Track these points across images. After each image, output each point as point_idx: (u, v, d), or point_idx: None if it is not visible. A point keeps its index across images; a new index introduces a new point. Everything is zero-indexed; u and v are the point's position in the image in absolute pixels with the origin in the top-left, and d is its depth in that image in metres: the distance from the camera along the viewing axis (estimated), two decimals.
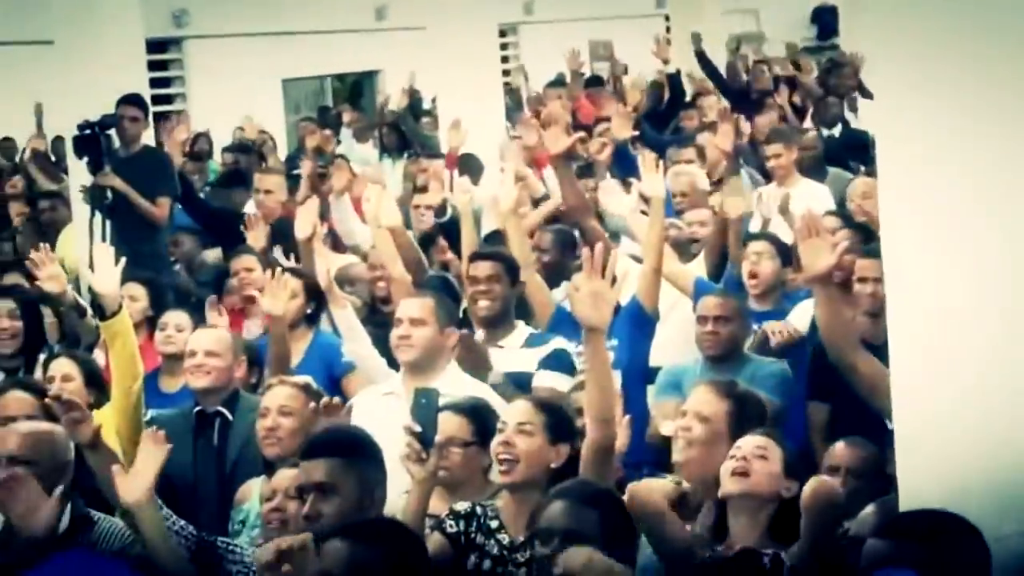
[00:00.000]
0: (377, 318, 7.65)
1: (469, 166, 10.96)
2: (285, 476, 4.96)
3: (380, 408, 5.89)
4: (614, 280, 4.81)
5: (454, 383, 5.79)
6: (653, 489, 4.59)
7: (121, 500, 4.66)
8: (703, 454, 4.78)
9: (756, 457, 4.50)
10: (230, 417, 6.18)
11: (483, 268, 6.72)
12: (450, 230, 8.75)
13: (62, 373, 6.34)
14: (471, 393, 5.58)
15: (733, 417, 4.88)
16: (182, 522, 4.77)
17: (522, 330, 6.71)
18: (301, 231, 7.86)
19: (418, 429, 4.65)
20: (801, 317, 6.99)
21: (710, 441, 4.80)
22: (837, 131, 13.08)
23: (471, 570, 4.74)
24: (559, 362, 6.47)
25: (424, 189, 10.16)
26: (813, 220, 4.98)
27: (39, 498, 4.52)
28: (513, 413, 4.98)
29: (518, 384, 6.27)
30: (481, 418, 5.15)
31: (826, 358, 5.16)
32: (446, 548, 4.76)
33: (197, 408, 6.25)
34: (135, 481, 4.63)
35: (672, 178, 9.09)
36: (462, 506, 4.87)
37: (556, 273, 7.48)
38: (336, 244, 9.23)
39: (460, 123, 11.84)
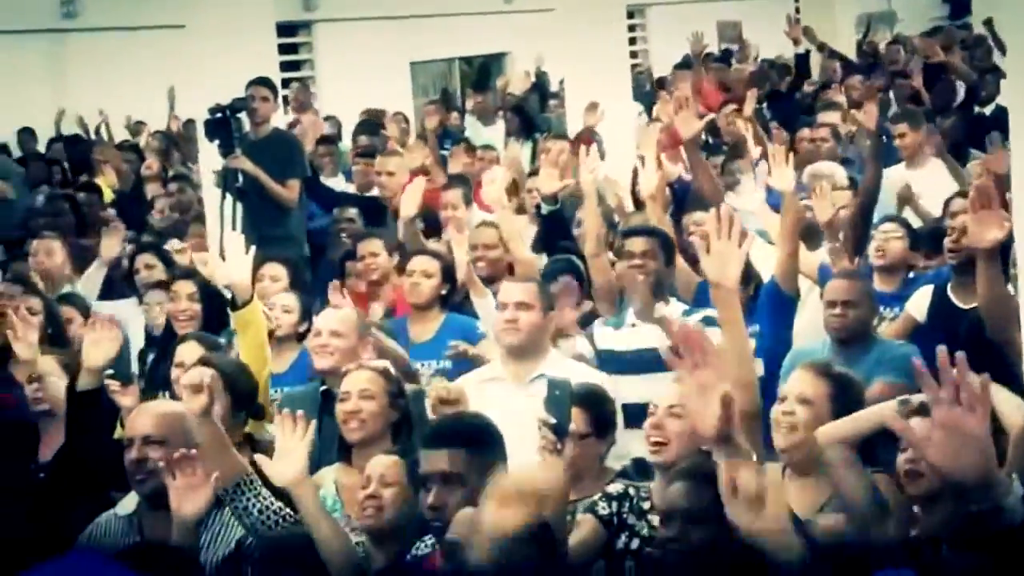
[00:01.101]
0: None
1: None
2: (381, 463, 4.92)
3: (485, 392, 5.92)
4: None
5: (557, 367, 5.79)
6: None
7: (275, 483, 4.69)
8: (808, 438, 4.75)
9: None
10: None
11: (638, 243, 6.75)
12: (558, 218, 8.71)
13: (193, 358, 6.37)
14: (575, 376, 5.55)
15: (834, 399, 4.85)
16: (278, 504, 4.76)
17: (675, 305, 6.71)
18: (405, 210, 7.95)
19: (553, 420, 4.64)
20: (919, 304, 6.92)
21: (814, 425, 4.76)
22: (989, 110, 12.84)
23: (620, 550, 4.75)
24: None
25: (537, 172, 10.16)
26: (987, 192, 4.90)
27: (201, 480, 4.57)
28: (665, 397, 4.97)
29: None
30: (597, 406, 5.14)
31: (982, 333, 5.08)
32: (599, 530, 4.77)
33: (323, 387, 6.28)
34: (285, 462, 4.65)
35: (809, 178, 9.02)
36: (614, 488, 4.88)
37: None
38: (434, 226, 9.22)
39: (597, 105, 11.82)
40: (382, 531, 4.77)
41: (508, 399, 5.82)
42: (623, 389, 5.96)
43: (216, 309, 7.28)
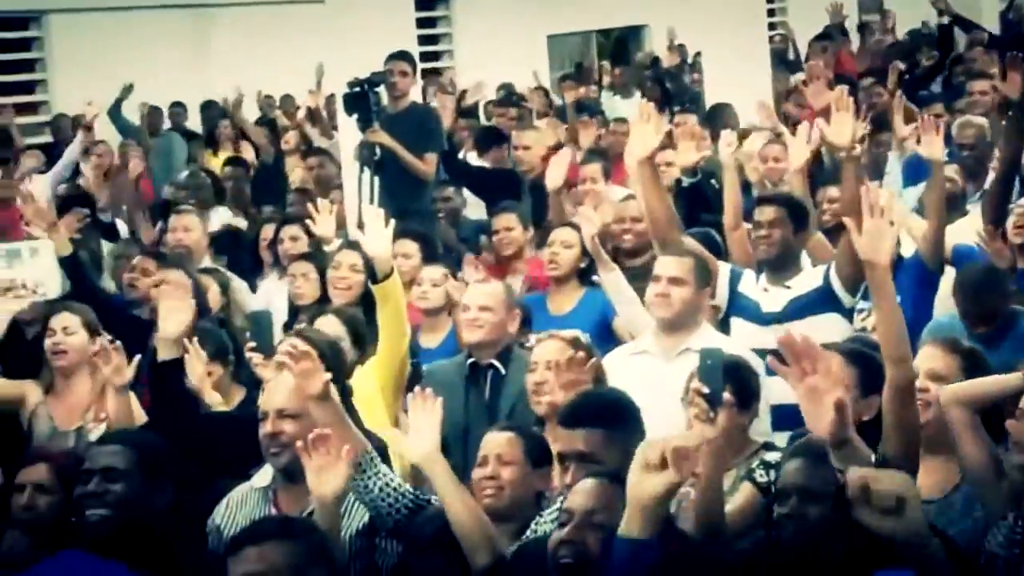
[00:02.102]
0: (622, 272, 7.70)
1: (727, 118, 10.89)
2: (496, 441, 4.82)
3: (633, 367, 5.93)
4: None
5: (708, 342, 5.78)
6: None
7: (408, 458, 4.72)
8: (941, 413, 4.71)
9: None
10: (503, 371, 6.21)
11: (767, 212, 6.72)
12: (698, 191, 8.70)
13: (330, 334, 6.40)
14: (729, 352, 5.54)
15: (966, 373, 4.81)
16: (397, 481, 4.78)
17: (810, 272, 6.69)
18: (551, 182, 7.99)
19: (706, 390, 4.64)
20: None
21: None
22: None
23: (776, 520, 4.72)
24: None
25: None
26: None
27: (336, 459, 4.59)
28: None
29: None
30: (741, 378, 5.12)
31: None
32: (757, 497, 4.78)
33: (471, 360, 6.31)
34: (419, 438, 4.67)
35: (958, 129, 8.91)
36: (772, 456, 4.87)
37: None
38: None
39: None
40: (503, 511, 4.73)
41: (654, 373, 5.85)
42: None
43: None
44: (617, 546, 3.48)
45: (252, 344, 6.51)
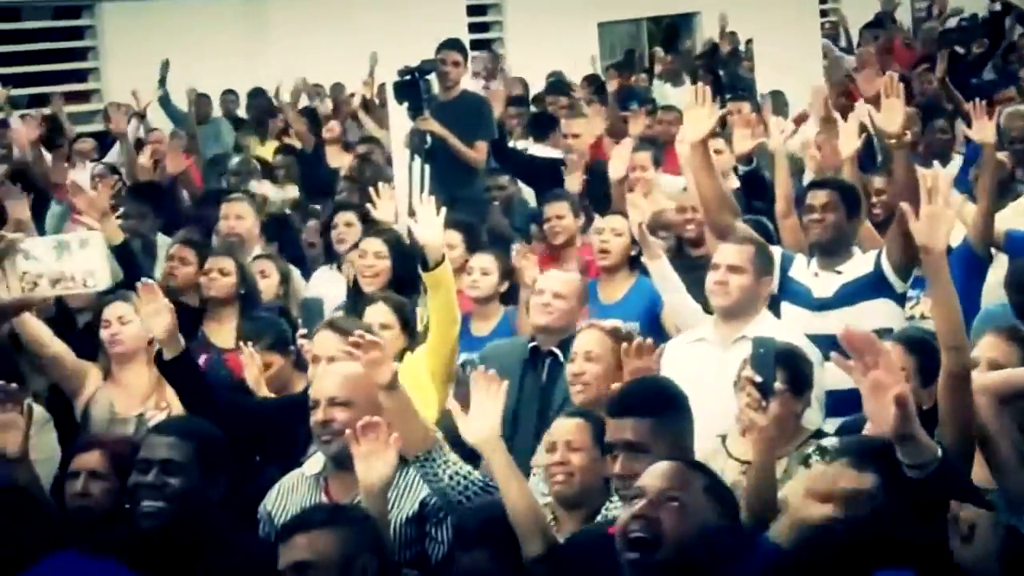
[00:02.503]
0: (684, 261, 7.68)
1: (777, 104, 10.85)
2: (565, 427, 4.86)
3: (691, 354, 5.92)
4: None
5: (766, 330, 5.76)
6: None
7: (467, 440, 4.69)
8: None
9: None
10: (562, 359, 6.16)
11: (819, 196, 6.70)
12: (755, 178, 8.68)
13: (380, 321, 6.38)
14: (783, 340, 5.52)
15: None
16: (467, 468, 4.77)
17: (861, 257, 6.67)
18: (614, 172, 7.99)
19: (759, 379, 4.62)
20: None
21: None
22: None
23: None
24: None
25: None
26: None
27: (385, 446, 4.60)
28: None
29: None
30: (794, 366, 5.09)
31: None
32: None
33: (532, 343, 6.30)
34: (480, 421, 4.65)
35: (1007, 119, 8.84)
36: (828, 442, 4.83)
37: None
38: None
39: None
40: (572, 498, 4.74)
41: (711, 361, 5.85)
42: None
43: (406, 266, 7.33)
44: (761, 543, 3.76)
45: (303, 331, 6.53)
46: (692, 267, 7.08)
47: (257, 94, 15.20)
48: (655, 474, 3.68)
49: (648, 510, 3.41)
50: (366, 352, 4.73)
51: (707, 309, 6.32)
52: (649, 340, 5.38)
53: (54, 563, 3.35)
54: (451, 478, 4.71)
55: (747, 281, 6.01)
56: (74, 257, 2.97)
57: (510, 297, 7.38)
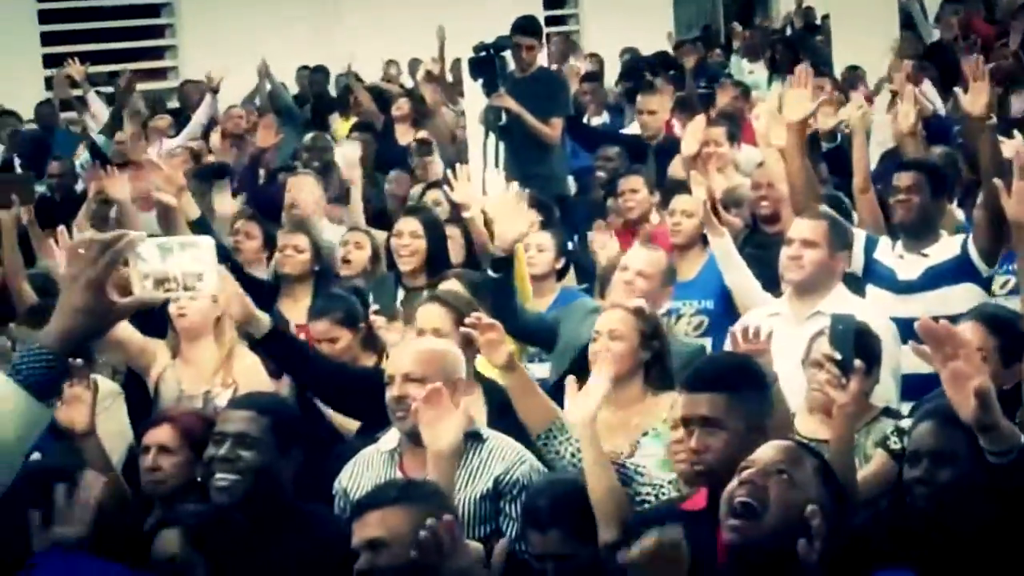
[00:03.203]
0: (758, 238, 7.62)
1: (855, 80, 10.75)
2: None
3: (764, 328, 5.85)
4: None
5: (840, 304, 5.73)
6: None
7: (568, 419, 4.70)
8: None
9: None
10: None
11: (905, 178, 6.63)
12: (839, 155, 8.60)
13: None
14: (857, 313, 5.47)
15: None
16: (576, 447, 4.76)
17: (948, 240, 6.61)
18: (686, 148, 7.95)
19: (838, 356, 4.58)
20: None
21: None
22: None
23: (907, 484, 4.66)
24: None
25: None
26: None
27: (448, 411, 4.58)
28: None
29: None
30: (865, 343, 5.03)
31: None
32: (890, 464, 4.72)
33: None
34: (582, 402, 4.63)
35: None
36: (906, 423, 4.78)
37: None
38: None
39: None
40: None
41: (786, 335, 5.75)
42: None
43: (441, 246, 7.42)
44: None
45: (375, 307, 6.53)
46: (766, 244, 7.02)
47: (318, 70, 15.21)
48: (768, 448, 3.65)
49: (756, 477, 3.37)
50: (483, 333, 4.75)
51: (778, 288, 6.29)
52: (758, 326, 5.24)
53: (54, 563, 3.36)
54: (572, 455, 4.71)
55: (821, 256, 5.97)
56: (177, 259, 2.99)
57: (564, 274, 7.36)
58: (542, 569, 4.39)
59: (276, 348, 5.74)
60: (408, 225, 7.44)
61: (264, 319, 5.62)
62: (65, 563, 3.28)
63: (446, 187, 8.17)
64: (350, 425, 5.97)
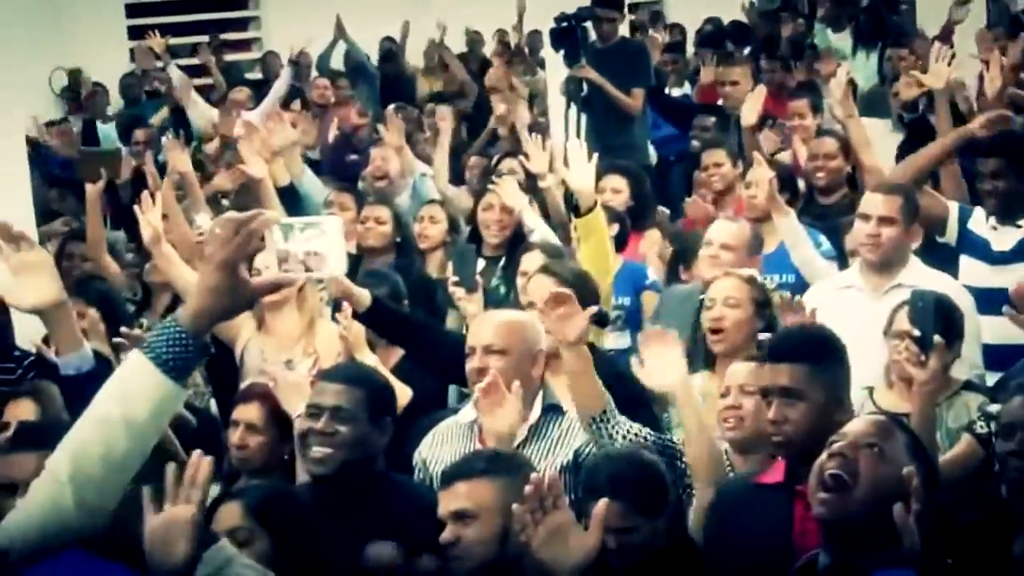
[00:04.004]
0: (813, 209, 7.60)
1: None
2: (738, 372, 4.88)
3: (840, 301, 5.86)
4: None
5: (917, 279, 5.69)
6: None
7: (650, 386, 4.74)
8: None
9: None
10: None
11: (990, 164, 6.52)
12: (921, 127, 8.54)
13: (535, 266, 6.15)
14: (934, 286, 5.44)
15: None
16: (638, 427, 4.76)
17: None
18: (745, 119, 7.94)
19: (918, 333, 4.55)
20: None
21: None
22: None
23: (1000, 457, 4.59)
24: None
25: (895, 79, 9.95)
26: None
27: (502, 398, 4.62)
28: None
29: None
30: (946, 317, 5.01)
31: None
32: (976, 448, 4.69)
33: (703, 295, 6.25)
34: (663, 370, 4.64)
35: None
36: (994, 407, 4.74)
37: None
38: None
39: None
40: (745, 443, 4.75)
41: (863, 309, 5.78)
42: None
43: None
44: None
45: (455, 278, 6.54)
46: (821, 215, 6.97)
47: (387, 40, 15.19)
48: (859, 421, 3.64)
49: (847, 449, 3.37)
50: (559, 305, 4.70)
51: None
52: (800, 298, 5.36)
53: (58, 563, 3.38)
54: (624, 437, 4.71)
55: (898, 232, 5.93)
56: (299, 239, 2.97)
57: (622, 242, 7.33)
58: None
59: (379, 320, 5.77)
60: (429, 211, 7.51)
61: (364, 294, 5.60)
62: (65, 563, 3.29)
63: (522, 157, 8.18)
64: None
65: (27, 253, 3.72)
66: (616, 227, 7.18)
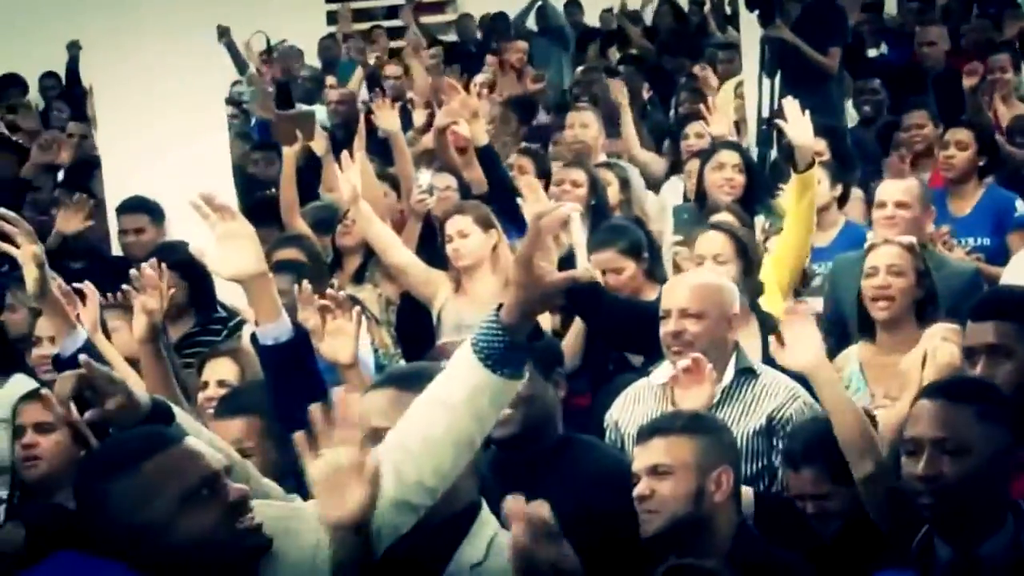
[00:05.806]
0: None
1: None
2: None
3: None
4: None
5: None
6: None
7: (790, 367, 4.62)
8: None
9: None
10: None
11: None
12: None
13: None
14: None
15: None
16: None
17: None
18: (968, 81, 7.87)
19: None
20: None
21: None
22: None
23: None
24: None
25: None
26: None
27: (697, 381, 4.62)
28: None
29: None
30: None
31: None
32: None
33: None
34: (799, 349, 4.49)
35: None
36: None
37: None
38: None
39: None
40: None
41: None
42: None
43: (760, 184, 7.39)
44: None
45: (678, 237, 6.54)
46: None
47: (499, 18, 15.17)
48: (925, 420, 3.52)
49: (929, 469, 3.36)
50: (695, 371, 4.67)
51: None
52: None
53: (56, 563, 3.40)
54: None
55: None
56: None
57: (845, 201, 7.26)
58: (801, 509, 4.38)
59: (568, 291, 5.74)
60: (732, 158, 7.39)
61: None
62: (61, 563, 3.31)
63: (702, 122, 8.16)
64: None
65: (231, 223, 3.80)
66: (840, 187, 7.16)
